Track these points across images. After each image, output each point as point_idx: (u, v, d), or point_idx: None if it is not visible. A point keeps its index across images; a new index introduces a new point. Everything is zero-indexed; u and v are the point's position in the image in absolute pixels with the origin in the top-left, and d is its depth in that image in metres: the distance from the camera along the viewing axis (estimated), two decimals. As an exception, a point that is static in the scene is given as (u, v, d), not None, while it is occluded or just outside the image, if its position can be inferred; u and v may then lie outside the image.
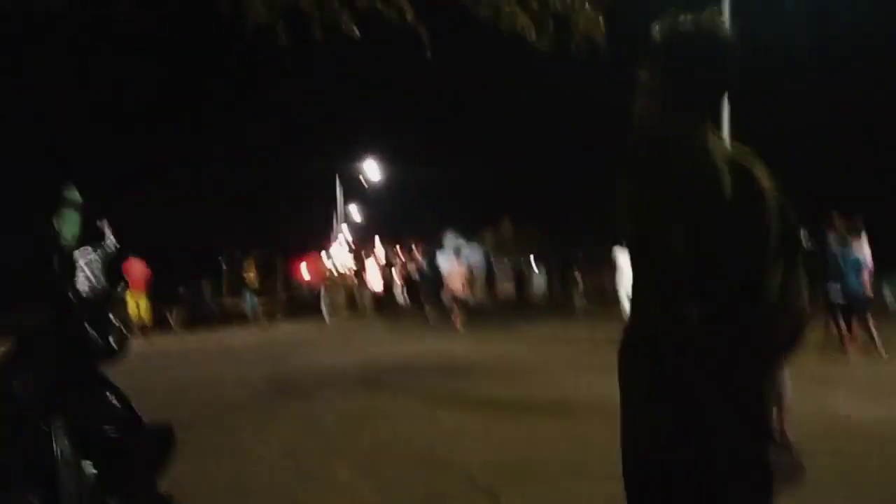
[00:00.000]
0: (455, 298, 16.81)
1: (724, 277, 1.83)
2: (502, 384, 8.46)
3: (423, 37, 5.99)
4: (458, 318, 16.18)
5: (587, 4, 6.32)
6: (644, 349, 1.90)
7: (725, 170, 1.84)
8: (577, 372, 8.79)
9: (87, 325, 2.50)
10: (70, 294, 2.64)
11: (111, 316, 2.60)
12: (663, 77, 1.97)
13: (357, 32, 5.85)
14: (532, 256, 30.78)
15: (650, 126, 2.02)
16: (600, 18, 6.39)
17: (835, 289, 9.70)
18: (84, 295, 2.89)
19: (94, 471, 2.31)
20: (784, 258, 1.89)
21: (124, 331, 2.74)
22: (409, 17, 5.84)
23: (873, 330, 9.70)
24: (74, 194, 3.38)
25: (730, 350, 1.83)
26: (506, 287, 29.09)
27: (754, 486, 1.87)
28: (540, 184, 34.12)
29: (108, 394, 2.50)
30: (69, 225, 3.13)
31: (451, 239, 21.44)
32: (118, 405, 2.51)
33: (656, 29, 2.02)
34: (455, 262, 17.42)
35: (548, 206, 33.66)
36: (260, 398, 8.04)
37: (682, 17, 1.99)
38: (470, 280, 18.00)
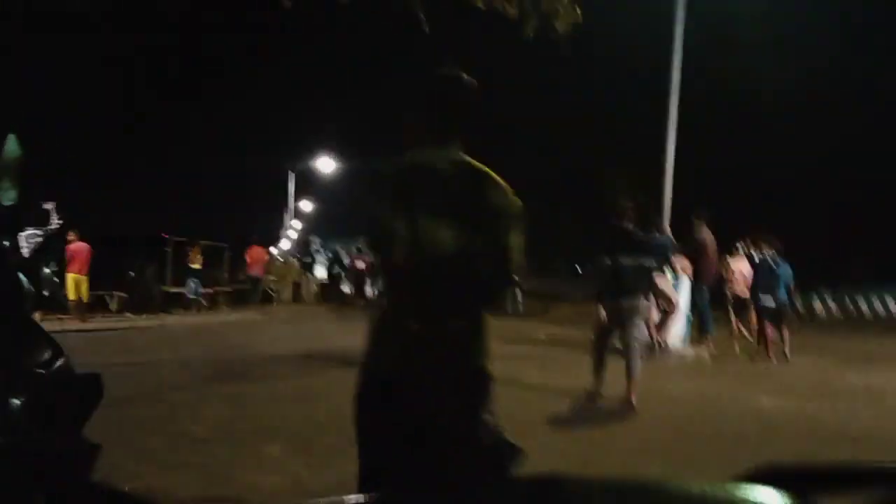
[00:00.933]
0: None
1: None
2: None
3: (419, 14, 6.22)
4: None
5: None
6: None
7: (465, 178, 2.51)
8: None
9: (20, 274, 2.55)
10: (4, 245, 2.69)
11: (45, 270, 2.65)
12: (427, 117, 2.62)
13: None
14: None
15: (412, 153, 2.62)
16: (577, 9, 6.79)
17: (767, 297, 10.70)
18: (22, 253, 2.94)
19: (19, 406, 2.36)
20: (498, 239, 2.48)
21: (54, 284, 2.81)
22: None
23: (786, 335, 10.70)
24: (12, 145, 3.39)
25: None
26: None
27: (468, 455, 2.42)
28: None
29: (37, 338, 2.55)
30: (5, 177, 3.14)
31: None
32: (47, 350, 2.56)
33: (418, 80, 2.70)
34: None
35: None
36: (196, 379, 8.03)
37: (437, 72, 2.65)
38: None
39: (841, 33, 21.41)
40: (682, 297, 10.66)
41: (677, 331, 10.65)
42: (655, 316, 10.34)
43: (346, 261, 22.93)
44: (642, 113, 14.21)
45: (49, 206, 12.04)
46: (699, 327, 11.18)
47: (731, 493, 0.82)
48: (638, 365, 6.94)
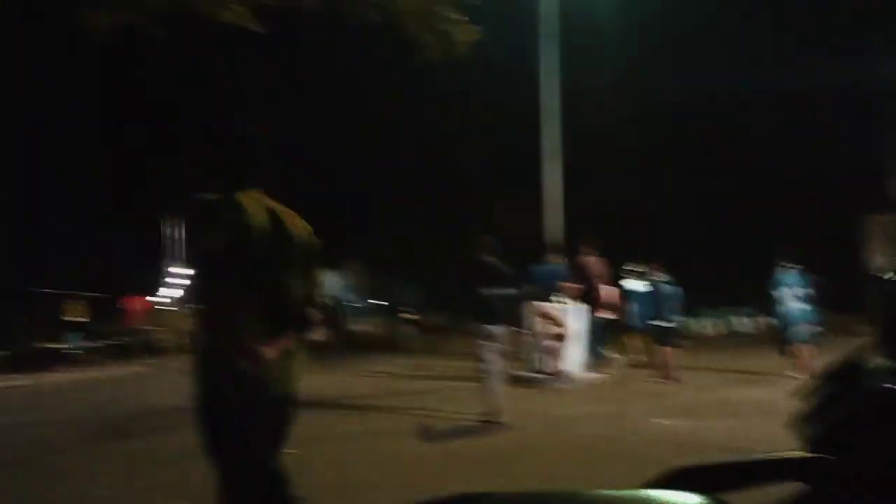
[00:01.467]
0: None
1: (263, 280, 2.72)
2: (349, 416, 8.54)
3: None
4: None
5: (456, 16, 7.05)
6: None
7: (261, 216, 2.74)
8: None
9: None
10: None
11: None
12: (221, 162, 2.88)
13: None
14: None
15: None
16: (474, 27, 7.23)
17: (659, 320, 11.20)
18: None
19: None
20: (306, 272, 2.85)
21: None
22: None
23: (677, 355, 11.16)
24: None
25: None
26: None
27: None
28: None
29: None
30: None
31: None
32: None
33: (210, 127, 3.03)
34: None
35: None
36: (88, 440, 7.61)
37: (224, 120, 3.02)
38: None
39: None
40: (577, 323, 10.99)
41: (574, 356, 10.95)
42: (551, 344, 10.62)
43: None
44: (528, 146, 14.80)
45: None
46: (592, 352, 11.54)
47: (646, 498, 0.89)
48: (498, 386, 7.51)
